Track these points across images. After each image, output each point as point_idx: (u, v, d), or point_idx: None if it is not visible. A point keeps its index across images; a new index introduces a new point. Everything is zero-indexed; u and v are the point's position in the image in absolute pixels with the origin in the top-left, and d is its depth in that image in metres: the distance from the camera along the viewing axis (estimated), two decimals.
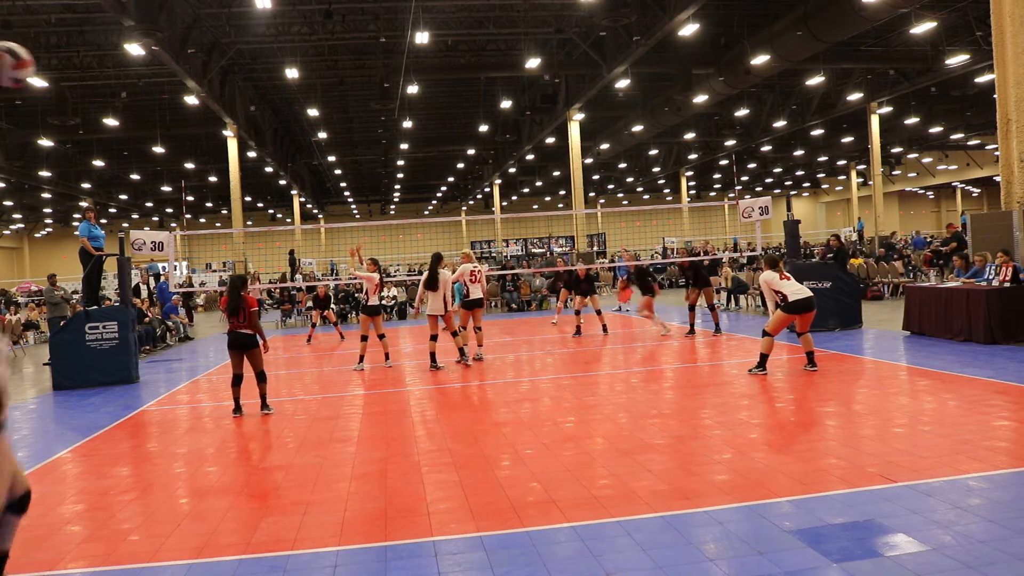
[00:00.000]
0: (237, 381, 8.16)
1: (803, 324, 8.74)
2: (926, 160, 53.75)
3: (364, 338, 11.14)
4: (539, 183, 52.29)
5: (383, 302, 22.17)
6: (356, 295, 21.97)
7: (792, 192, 61.23)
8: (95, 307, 11.72)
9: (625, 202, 61.16)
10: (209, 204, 51.63)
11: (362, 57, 24.61)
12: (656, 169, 47.42)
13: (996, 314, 9.90)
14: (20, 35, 20.22)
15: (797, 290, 8.64)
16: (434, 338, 10.72)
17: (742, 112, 32.03)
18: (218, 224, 53.19)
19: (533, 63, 22.64)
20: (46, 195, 41.15)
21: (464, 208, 58.96)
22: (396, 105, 26.49)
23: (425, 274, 10.73)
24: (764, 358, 8.73)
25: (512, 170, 44.26)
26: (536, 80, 27.55)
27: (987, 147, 44.92)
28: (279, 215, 56.29)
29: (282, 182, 41.44)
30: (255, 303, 8.16)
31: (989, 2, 11.49)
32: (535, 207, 60.49)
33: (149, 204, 48.62)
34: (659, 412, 7.18)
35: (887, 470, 4.86)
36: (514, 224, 50.56)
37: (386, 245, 47.98)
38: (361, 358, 11.08)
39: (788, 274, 8.92)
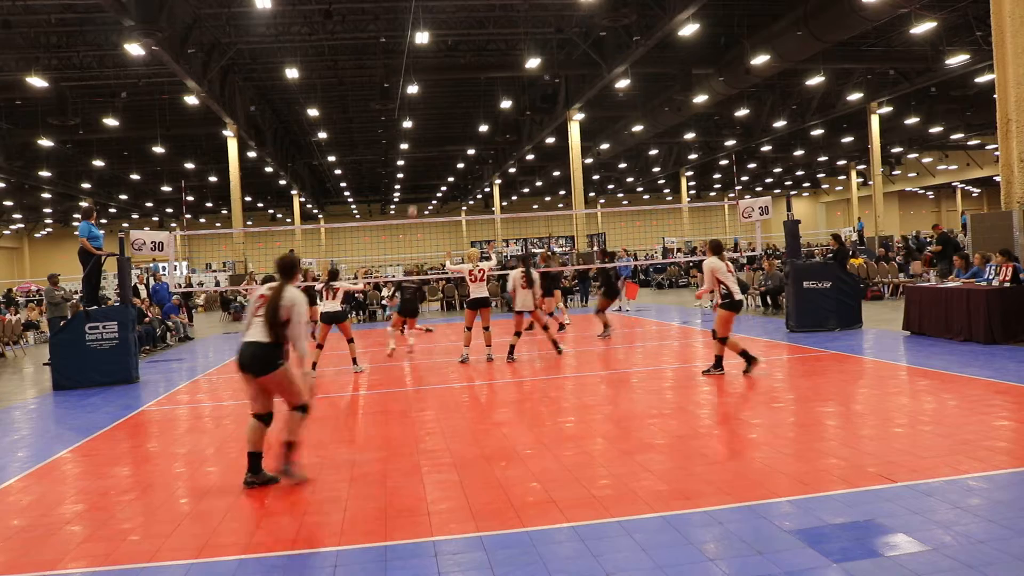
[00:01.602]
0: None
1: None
2: (926, 160, 53.75)
3: (319, 346, 11.13)
4: (539, 183, 52.30)
5: (383, 302, 22.19)
6: (356, 296, 21.96)
7: (792, 192, 61.24)
8: (95, 307, 11.71)
9: (625, 202, 61.19)
10: (209, 204, 51.64)
11: (362, 57, 24.61)
12: (656, 169, 47.44)
13: (996, 314, 9.90)
14: (20, 35, 20.26)
15: (738, 289, 8.65)
16: (518, 334, 11.36)
17: (742, 112, 32.03)
18: (218, 224, 53.21)
19: (533, 63, 22.64)
20: (46, 195, 41.17)
21: (464, 208, 58.98)
22: (396, 105, 26.48)
23: (519, 273, 11.14)
24: (720, 360, 8.75)
25: (512, 170, 44.27)
26: (536, 80, 27.55)
27: (987, 147, 44.92)
28: (279, 215, 56.30)
29: (282, 182, 41.45)
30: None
31: (989, 2, 11.50)
32: (535, 207, 60.52)
33: (149, 204, 48.64)
34: (659, 412, 7.17)
35: (887, 470, 4.86)
36: (514, 224, 50.60)
37: (386, 245, 47.97)
38: (314, 364, 10.97)
39: (732, 268, 8.81)
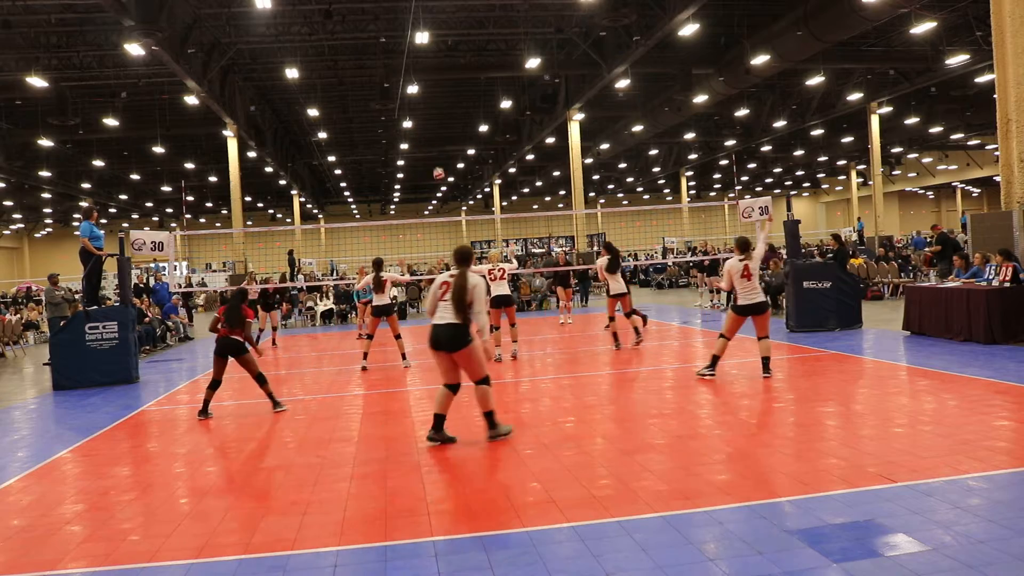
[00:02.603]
0: (215, 386, 8.16)
1: (758, 327, 8.49)
2: (926, 160, 53.75)
3: (369, 336, 11.36)
4: (539, 183, 52.27)
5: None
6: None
7: (792, 192, 61.23)
8: (95, 307, 11.71)
9: (625, 202, 61.17)
10: (209, 204, 51.63)
11: (362, 57, 24.60)
12: (656, 169, 47.42)
13: (996, 314, 9.90)
14: (20, 35, 20.26)
15: (749, 294, 8.40)
16: (612, 319, 11.95)
17: (742, 112, 32.02)
18: (218, 224, 53.20)
19: (533, 63, 22.63)
20: (46, 195, 41.15)
21: (464, 208, 58.96)
22: (396, 105, 26.47)
23: (605, 260, 11.78)
24: (715, 360, 8.60)
25: (512, 170, 44.24)
26: (536, 80, 27.53)
27: (987, 147, 44.92)
28: (279, 215, 56.28)
29: (282, 182, 41.43)
30: (252, 315, 8.27)
31: (989, 2, 11.50)
32: (535, 207, 60.49)
33: (149, 204, 48.61)
34: (659, 412, 7.17)
35: (887, 470, 4.86)
36: (514, 224, 50.56)
37: (386, 245, 47.96)
38: (365, 355, 11.25)
39: (753, 271, 8.46)
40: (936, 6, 20.89)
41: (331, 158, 39.87)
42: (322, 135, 33.38)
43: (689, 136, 37.97)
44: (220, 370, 8.12)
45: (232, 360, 8.05)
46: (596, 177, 51.91)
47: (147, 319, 16.11)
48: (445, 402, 6.24)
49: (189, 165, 36.29)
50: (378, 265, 11.34)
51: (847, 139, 39.44)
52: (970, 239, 13.27)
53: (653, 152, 45.43)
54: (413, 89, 23.97)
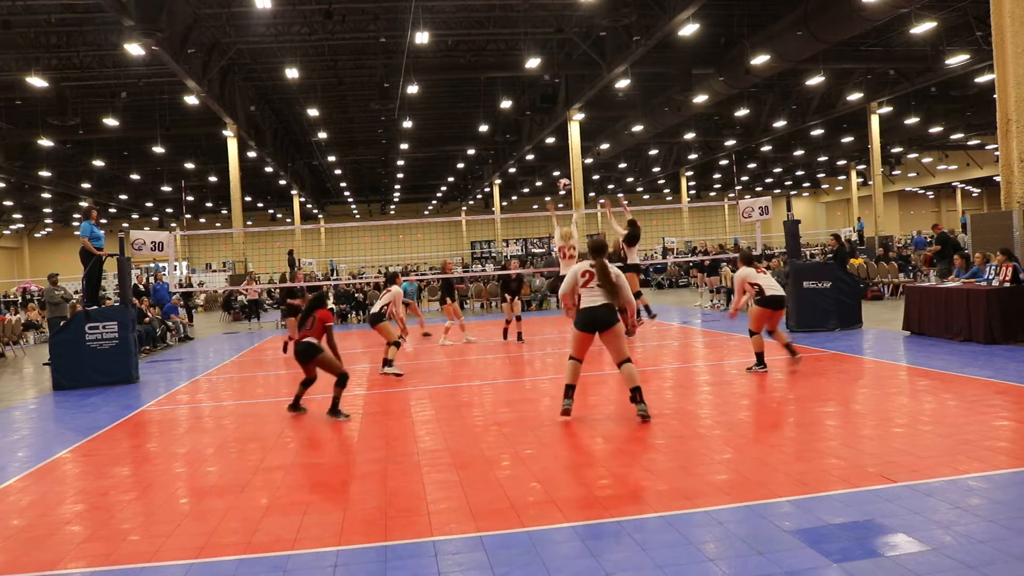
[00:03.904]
0: (307, 383, 7.99)
1: (773, 323, 8.84)
2: (926, 160, 53.75)
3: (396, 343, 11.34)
4: (539, 183, 52.28)
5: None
6: (356, 295, 21.97)
7: (792, 192, 61.22)
8: (95, 307, 11.71)
9: (625, 202, 61.03)
10: (209, 204, 51.64)
11: (362, 57, 24.62)
12: (656, 169, 47.42)
13: (996, 314, 9.90)
14: (20, 35, 20.27)
15: (774, 285, 8.82)
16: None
17: (742, 112, 32.03)
18: (218, 224, 53.20)
19: (533, 63, 22.64)
20: (46, 195, 41.17)
21: (464, 208, 58.96)
22: (396, 105, 26.49)
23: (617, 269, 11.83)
24: (759, 356, 8.84)
25: (512, 170, 44.24)
26: (536, 80, 27.55)
27: (987, 147, 44.92)
28: (279, 215, 56.29)
29: (282, 182, 41.44)
30: (331, 317, 7.97)
31: (989, 2, 11.51)
32: (535, 207, 60.44)
33: (149, 204, 48.63)
34: (659, 412, 7.17)
35: (887, 470, 4.86)
36: (514, 224, 50.59)
37: (386, 245, 47.96)
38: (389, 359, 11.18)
39: (764, 269, 9.06)
40: (936, 6, 20.90)
41: (331, 158, 39.89)
42: (322, 135, 33.40)
43: (689, 136, 37.98)
44: (305, 370, 7.95)
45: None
46: (596, 177, 51.90)
47: (147, 319, 16.10)
48: (576, 373, 6.87)
49: (189, 165, 36.31)
50: (389, 279, 11.26)
51: (847, 139, 39.46)
52: (970, 239, 13.27)
53: (653, 152, 45.44)
54: (413, 89, 23.98)
